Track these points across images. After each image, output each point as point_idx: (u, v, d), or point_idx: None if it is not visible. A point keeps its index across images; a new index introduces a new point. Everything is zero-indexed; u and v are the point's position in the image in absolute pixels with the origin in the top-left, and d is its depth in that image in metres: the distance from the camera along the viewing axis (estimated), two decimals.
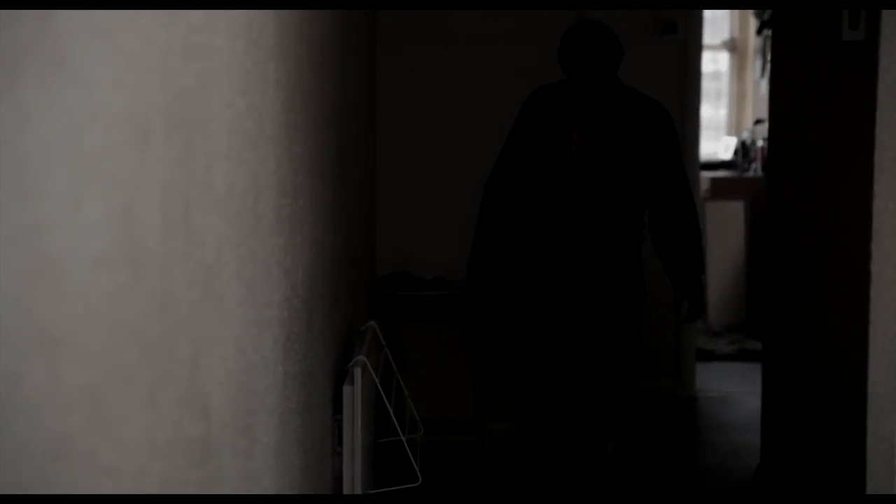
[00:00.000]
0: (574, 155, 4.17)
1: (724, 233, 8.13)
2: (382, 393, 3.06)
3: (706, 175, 8.26)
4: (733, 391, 6.50)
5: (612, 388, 4.39)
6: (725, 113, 10.01)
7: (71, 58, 0.92)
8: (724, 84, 10.02)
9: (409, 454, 3.11)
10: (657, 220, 4.33)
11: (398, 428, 3.11)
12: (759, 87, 9.10)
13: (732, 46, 9.90)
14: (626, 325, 4.35)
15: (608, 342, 4.35)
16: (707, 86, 9.13)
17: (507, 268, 4.72)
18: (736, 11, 9.78)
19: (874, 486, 3.39)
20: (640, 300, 4.39)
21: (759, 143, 8.51)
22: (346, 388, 2.74)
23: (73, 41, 0.92)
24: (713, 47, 9.67)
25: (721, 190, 8.29)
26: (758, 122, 8.63)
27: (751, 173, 8.67)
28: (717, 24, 9.77)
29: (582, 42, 4.11)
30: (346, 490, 2.78)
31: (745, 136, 9.05)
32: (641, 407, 5.78)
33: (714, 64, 9.90)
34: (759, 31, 8.91)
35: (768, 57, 7.28)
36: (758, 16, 8.79)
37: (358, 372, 2.77)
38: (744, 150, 8.95)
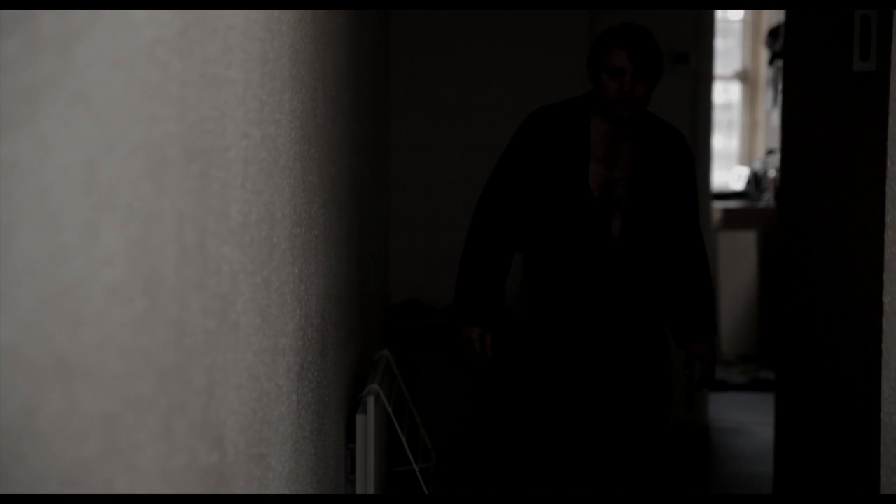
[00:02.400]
0: (590, 190, 3.44)
1: (737, 262, 8.12)
2: (395, 422, 3.06)
3: (718, 205, 8.26)
4: (746, 421, 6.47)
5: (647, 472, 3.66)
6: (737, 143, 10.01)
7: (89, 90, 0.93)
8: (736, 114, 10.02)
9: (422, 483, 3.10)
10: (667, 268, 3.63)
11: (411, 457, 3.11)
12: (771, 117, 9.10)
13: (744, 77, 9.91)
14: (657, 399, 3.62)
15: (636, 424, 3.61)
16: (719, 116, 9.13)
17: (509, 322, 4.00)
18: (747, 43, 9.79)
19: None
20: (669, 364, 3.68)
21: (771, 173, 8.51)
22: (360, 417, 2.74)
23: (92, 74, 0.93)
24: (725, 78, 9.68)
25: (733, 220, 8.28)
26: (769, 152, 8.63)
27: (763, 203, 8.66)
28: (728, 55, 9.79)
29: (633, 48, 3.34)
30: None
31: (757, 166, 9.05)
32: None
33: (726, 94, 9.90)
34: (770, 62, 8.92)
35: (780, 87, 7.29)
36: (769, 46, 8.80)
37: (371, 401, 2.77)
38: (756, 180, 8.94)
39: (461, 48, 5.52)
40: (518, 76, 5.55)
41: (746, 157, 9.83)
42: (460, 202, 5.53)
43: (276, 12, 1.72)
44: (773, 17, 8.80)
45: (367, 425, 2.74)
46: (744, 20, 9.77)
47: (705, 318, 3.64)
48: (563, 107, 3.53)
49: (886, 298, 2.05)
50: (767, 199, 8.64)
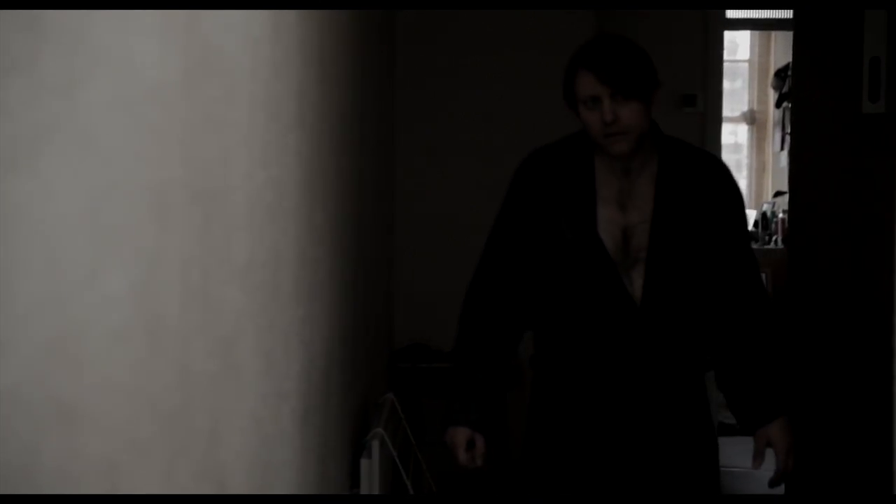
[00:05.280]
0: (600, 240, 2.74)
1: None
2: (400, 466, 3.05)
3: None
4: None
5: None
6: (745, 185, 10.01)
7: (93, 131, 0.92)
8: (744, 156, 10.04)
9: None
10: (723, 333, 2.86)
11: None
12: (779, 159, 9.11)
13: (752, 119, 9.93)
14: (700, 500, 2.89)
15: None
16: (727, 158, 9.14)
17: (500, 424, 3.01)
18: (755, 84, 9.81)
19: None
20: (714, 459, 2.96)
21: (780, 215, 8.51)
22: (364, 462, 2.72)
23: (96, 115, 0.93)
24: (732, 119, 9.70)
25: None
26: (778, 194, 8.63)
27: (771, 245, 8.66)
28: (736, 97, 9.81)
29: (601, 68, 2.66)
30: None
31: (766, 208, 9.05)
32: None
33: (734, 136, 9.92)
34: (778, 104, 8.94)
35: (788, 129, 7.30)
36: (777, 88, 8.82)
37: (376, 445, 2.76)
38: (764, 222, 8.95)
39: (467, 86, 5.54)
40: (528, 111, 5.55)
41: (755, 200, 9.84)
42: (466, 243, 5.52)
43: (281, 54, 1.72)
44: (780, 58, 8.83)
45: (371, 470, 2.73)
46: (751, 61, 9.81)
47: (773, 391, 2.85)
48: (561, 145, 2.87)
49: None
50: (776, 241, 8.64)
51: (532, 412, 2.92)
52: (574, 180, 2.78)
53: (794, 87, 4.65)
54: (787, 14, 5.73)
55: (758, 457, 2.88)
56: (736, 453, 6.63)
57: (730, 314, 2.83)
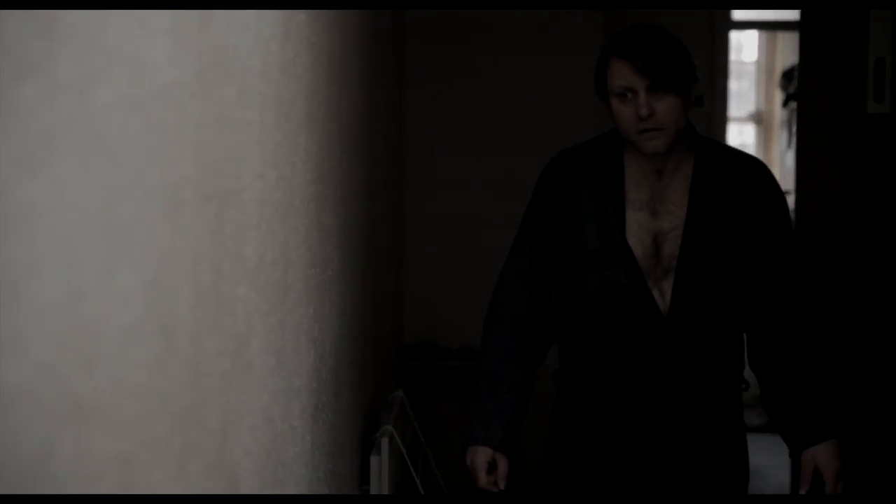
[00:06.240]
0: (628, 248, 2.57)
1: None
2: (409, 463, 3.06)
3: None
4: (763, 464, 6.43)
5: None
6: None
7: (106, 133, 0.93)
8: None
9: None
10: (767, 346, 2.67)
11: None
12: (786, 158, 9.10)
13: (758, 119, 9.92)
14: None
15: None
16: None
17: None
18: (761, 84, 9.81)
19: None
20: (745, 478, 2.79)
21: None
22: (374, 458, 2.73)
23: (109, 117, 0.94)
24: (739, 119, 9.70)
25: None
26: (784, 193, 8.64)
27: None
28: (742, 97, 9.81)
29: (639, 57, 2.47)
30: None
31: None
32: None
33: (740, 136, 9.91)
34: (784, 104, 8.93)
35: (794, 129, 7.29)
36: (783, 88, 8.82)
37: (385, 442, 2.77)
38: None
39: (475, 85, 5.54)
40: (536, 110, 5.55)
41: None
42: (475, 242, 5.53)
43: (291, 54, 1.73)
44: (787, 59, 8.82)
45: (381, 466, 2.73)
46: (758, 62, 9.80)
47: (823, 411, 2.63)
48: (589, 145, 2.69)
49: None
50: None
51: (555, 430, 2.74)
52: (602, 182, 2.60)
53: (800, 87, 4.65)
54: (793, 15, 5.73)
55: (805, 483, 2.65)
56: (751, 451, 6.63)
57: (776, 327, 2.63)
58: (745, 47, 9.83)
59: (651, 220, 2.58)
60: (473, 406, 2.68)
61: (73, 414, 0.88)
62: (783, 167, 9.36)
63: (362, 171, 2.96)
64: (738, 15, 6.89)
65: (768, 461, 6.45)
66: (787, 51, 8.94)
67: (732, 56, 6.50)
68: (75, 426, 0.89)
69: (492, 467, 2.65)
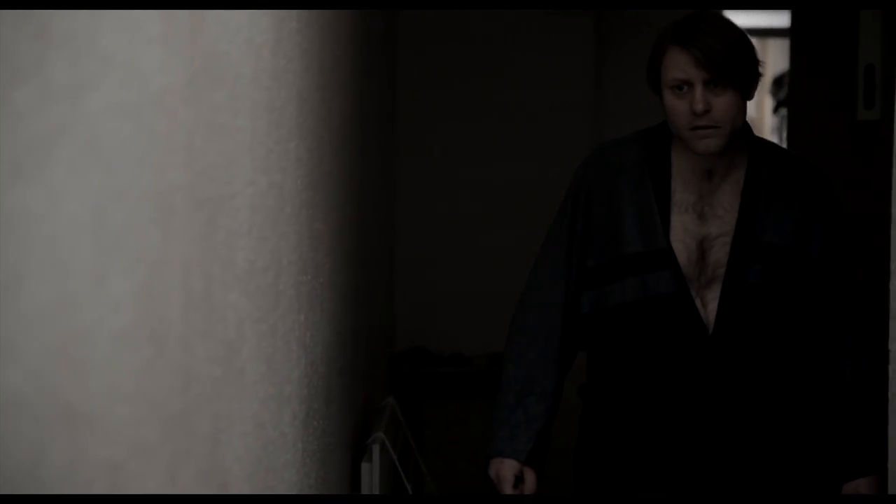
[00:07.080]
0: (673, 254, 2.37)
1: None
2: (401, 470, 3.06)
3: None
4: None
5: None
6: None
7: (98, 137, 0.94)
8: None
9: None
10: (815, 369, 2.46)
11: None
12: None
13: None
14: None
15: None
16: None
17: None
18: None
19: None
20: None
21: None
22: (365, 466, 2.73)
23: (101, 123, 0.94)
24: None
25: None
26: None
27: None
28: None
29: (699, 46, 2.24)
30: None
31: None
32: None
33: None
34: (774, 111, 8.95)
35: (784, 136, 7.32)
36: (773, 95, 8.84)
37: (376, 449, 2.77)
38: None
39: (469, 85, 5.55)
40: (529, 113, 5.56)
41: None
42: (468, 248, 5.54)
43: (282, 60, 1.73)
44: (777, 65, 8.85)
45: (372, 474, 2.73)
46: None
47: (869, 442, 2.39)
48: (632, 139, 2.47)
49: (892, 346, 2.04)
50: None
51: (582, 454, 2.55)
52: (647, 180, 2.39)
53: (791, 94, 4.67)
54: (783, 22, 5.74)
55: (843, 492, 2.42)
56: None
57: (823, 348, 2.43)
58: None
59: (698, 223, 2.38)
60: (498, 415, 2.48)
61: (64, 420, 0.89)
62: None
63: (354, 178, 2.97)
64: None
65: None
66: (778, 57, 8.97)
67: None
68: (66, 432, 0.89)
69: (518, 480, 2.45)
